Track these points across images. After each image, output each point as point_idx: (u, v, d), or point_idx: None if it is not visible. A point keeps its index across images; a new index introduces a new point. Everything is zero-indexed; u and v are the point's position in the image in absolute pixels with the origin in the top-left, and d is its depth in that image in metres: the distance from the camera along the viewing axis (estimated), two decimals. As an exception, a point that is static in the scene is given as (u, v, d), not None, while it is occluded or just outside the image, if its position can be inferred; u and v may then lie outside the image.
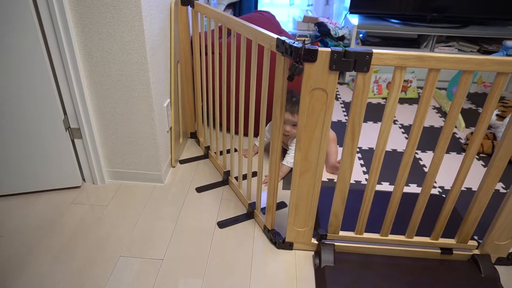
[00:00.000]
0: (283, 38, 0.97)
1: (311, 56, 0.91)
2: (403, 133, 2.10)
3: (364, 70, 0.92)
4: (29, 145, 1.40)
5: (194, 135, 1.96)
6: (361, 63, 0.91)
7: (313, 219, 1.22)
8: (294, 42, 0.93)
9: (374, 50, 0.90)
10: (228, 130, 1.46)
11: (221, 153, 1.72)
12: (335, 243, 1.25)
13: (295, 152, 1.08)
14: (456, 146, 1.99)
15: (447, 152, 1.92)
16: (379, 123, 2.22)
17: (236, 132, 1.78)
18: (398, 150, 1.93)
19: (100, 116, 1.45)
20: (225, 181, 1.62)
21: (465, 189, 1.64)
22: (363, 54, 0.90)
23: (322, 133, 1.03)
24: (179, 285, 1.14)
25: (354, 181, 1.68)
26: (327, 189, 1.36)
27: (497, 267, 1.23)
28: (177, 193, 1.55)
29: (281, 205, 1.50)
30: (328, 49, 0.91)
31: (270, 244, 1.32)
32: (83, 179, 1.59)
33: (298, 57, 0.92)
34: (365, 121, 2.22)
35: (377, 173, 1.10)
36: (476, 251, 1.24)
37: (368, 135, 2.03)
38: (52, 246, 1.27)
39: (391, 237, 1.24)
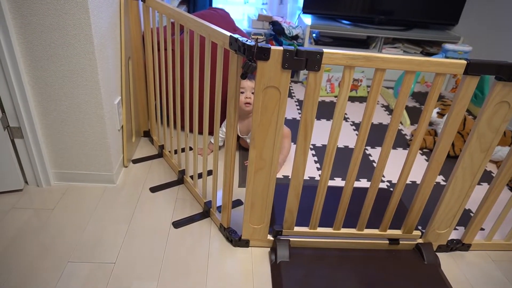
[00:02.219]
0: (236, 36, 0.97)
1: (264, 54, 0.92)
2: (354, 130, 2.19)
3: (315, 69, 0.95)
4: (-39, 146, 1.28)
5: (147, 134, 1.90)
6: (312, 62, 0.94)
7: (269, 216, 1.23)
8: (247, 40, 0.93)
9: (325, 50, 0.93)
10: (183, 128, 1.43)
11: (175, 152, 1.69)
12: (290, 239, 1.28)
13: (249, 149, 1.08)
14: (402, 142, 2.11)
15: (394, 147, 2.03)
16: (331, 121, 2.30)
17: (191, 130, 1.76)
18: (350, 147, 2.01)
19: (44, 114, 1.36)
20: (180, 180, 1.60)
21: (410, 182, 1.75)
22: (314, 54, 0.93)
23: (276, 131, 1.05)
24: (132, 289, 1.11)
25: (308, 177, 1.73)
26: (282, 186, 1.38)
27: (438, 254, 1.33)
28: (130, 194, 1.50)
29: (237, 203, 1.51)
30: (281, 48, 0.92)
31: (227, 243, 1.31)
32: (26, 182, 1.48)
33: (251, 55, 0.92)
34: (318, 118, 2.28)
35: (329, 169, 1.14)
36: (420, 240, 1.33)
37: (321, 133, 2.09)
38: (-11, 255, 1.17)
39: (343, 230, 1.29)
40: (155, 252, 1.24)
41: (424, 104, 1.05)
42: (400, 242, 1.32)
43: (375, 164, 1.88)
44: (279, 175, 1.72)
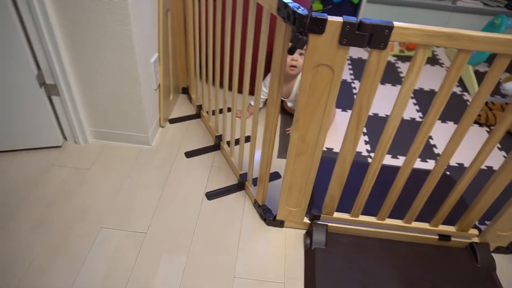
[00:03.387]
0: (284, 1, 0.80)
1: (319, 26, 0.75)
2: (411, 97, 1.95)
3: (381, 47, 0.77)
4: (1, 100, 1.26)
5: (186, 91, 1.81)
6: (378, 38, 0.76)
7: (307, 200, 1.14)
8: (299, 8, 0.76)
9: (396, 23, 0.74)
10: (222, 86, 1.31)
11: (213, 113, 1.59)
12: (328, 224, 1.19)
13: (291, 131, 0.96)
14: (467, 115, 1.86)
15: (457, 122, 1.80)
16: (387, 85, 2.06)
17: (230, 88, 1.64)
18: (404, 118, 1.80)
19: (78, 72, 1.29)
20: (216, 146, 1.52)
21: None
22: (382, 28, 0.74)
23: (323, 115, 0.91)
24: (161, 262, 1.09)
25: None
26: (324, 160, 1.24)
27: (494, 255, 1.18)
28: (164, 158, 1.45)
29: (275, 176, 1.42)
30: (340, 19, 0.75)
31: (260, 220, 1.25)
32: (65, 138, 1.47)
33: (303, 26, 0.76)
34: (372, 81, 2.05)
35: (382, 157, 1.00)
36: (476, 239, 1.19)
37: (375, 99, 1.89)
38: (31, 212, 1.20)
39: (388, 221, 1.17)
40: (186, 224, 1.21)
41: (490, 66, 0.82)
42: (452, 239, 1.19)
43: (432, 141, 1.68)
44: (336, 148, 1.58)
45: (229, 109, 1.67)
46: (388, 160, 1.54)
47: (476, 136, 1.71)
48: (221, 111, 1.64)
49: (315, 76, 0.83)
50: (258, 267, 1.11)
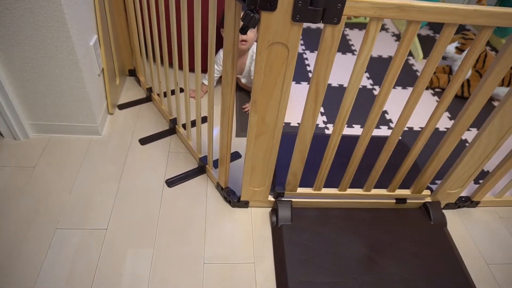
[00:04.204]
0: (233, -26, 0.74)
1: (270, 2, 0.72)
2: (362, 65, 1.99)
3: (334, 22, 0.75)
4: None
5: (133, 73, 1.70)
6: (331, 13, 0.74)
7: (270, 178, 1.13)
8: (248, -17, 0.72)
9: (348, -3, 0.72)
10: (172, 65, 1.22)
11: (165, 94, 1.51)
12: (292, 199, 1.21)
13: (250, 113, 0.93)
14: (414, 80, 1.93)
15: (404, 87, 1.87)
16: (337, 54, 2.07)
17: (181, 68, 1.56)
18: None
19: (7, 62, 1.15)
20: (172, 130, 1.46)
21: (419, 129, 1.63)
22: (335, 2, 0.72)
23: (281, 94, 0.89)
24: (127, 257, 1.05)
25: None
26: (285, 136, 1.23)
27: (444, 211, 1.27)
28: (117, 147, 1.37)
29: (235, 156, 1.40)
30: (292, -6, 0.71)
31: (224, 203, 1.24)
32: (1, 135, 1.34)
33: (254, 3, 0.71)
34: (323, 51, 2.05)
35: (340, 132, 1.01)
36: (428, 199, 1.27)
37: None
38: (-30, 222, 1.09)
39: (349, 191, 1.21)
40: (148, 215, 1.17)
41: (439, 34, 0.85)
42: (408, 201, 1.26)
43: (387, 114, 1.74)
44: (294, 122, 1.58)
45: (181, 90, 1.61)
46: (344, 130, 1.57)
47: (422, 100, 1.79)
48: (173, 92, 1.57)
49: (270, 55, 0.80)
50: (227, 251, 1.11)
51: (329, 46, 0.79)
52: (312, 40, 2.19)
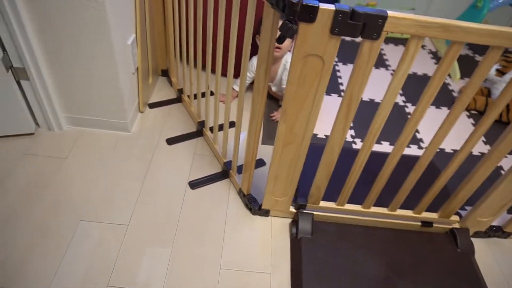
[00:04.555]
0: (274, -16, 0.74)
1: (310, 14, 0.71)
2: (395, 81, 1.94)
3: (374, 37, 0.74)
4: (-37, 86, 1.17)
5: (166, 73, 1.74)
6: (371, 28, 0.72)
7: (294, 189, 1.12)
8: (289, -7, 0.71)
9: (390, 13, 0.71)
10: (204, 68, 1.24)
11: (195, 97, 1.53)
12: (314, 212, 1.19)
13: (279, 122, 0.92)
14: (449, 100, 1.87)
15: (438, 106, 1.81)
16: (374, 69, 2.04)
17: (213, 71, 1.57)
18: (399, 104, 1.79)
19: (49, 55, 1.20)
20: (199, 132, 1.47)
21: (451, 151, 1.57)
22: (375, 17, 0.71)
23: (312, 106, 0.87)
24: (145, 255, 1.07)
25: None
26: (312, 147, 1.21)
27: (472, 239, 1.22)
28: (145, 145, 1.40)
29: (259, 163, 1.39)
30: (332, 7, 0.70)
31: (245, 209, 1.23)
32: (38, 125, 1.39)
33: (293, 14, 0.71)
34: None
35: (368, 152, 0.98)
36: (456, 225, 1.21)
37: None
38: (3, 205, 1.13)
39: (373, 209, 1.18)
40: (169, 215, 1.18)
41: (483, 57, 0.80)
42: (434, 225, 1.21)
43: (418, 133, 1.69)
44: (321, 134, 1.56)
45: (212, 93, 1.62)
46: (383, 147, 1.54)
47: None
48: (203, 95, 1.59)
49: (305, 67, 0.80)
50: (244, 258, 1.10)
51: (365, 61, 0.78)
52: (345, 52, 2.17)
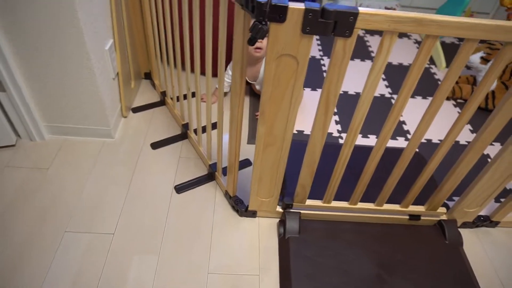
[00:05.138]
0: (243, -16, 0.73)
1: (279, 14, 0.70)
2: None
3: (346, 35, 0.72)
4: None
5: (148, 76, 1.71)
6: (343, 25, 0.71)
7: (279, 190, 1.11)
8: (257, -7, 0.70)
9: (361, 10, 0.69)
10: (184, 68, 1.22)
11: (177, 99, 1.51)
12: (301, 211, 1.18)
13: (258, 124, 0.91)
14: (435, 89, 1.86)
15: (424, 96, 1.81)
16: (356, 60, 2.03)
17: (192, 70, 1.55)
18: (376, 95, 1.78)
19: (23, 65, 1.18)
20: (184, 135, 1.46)
21: (439, 141, 1.57)
22: (346, 15, 0.69)
23: (290, 105, 0.86)
24: (132, 264, 1.05)
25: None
26: (296, 144, 1.19)
27: (461, 229, 1.22)
28: (129, 151, 1.38)
29: (245, 164, 1.38)
30: (302, 6, 0.69)
31: (232, 211, 1.22)
32: (19, 136, 1.37)
33: (262, 15, 0.70)
34: (341, 57, 2.01)
35: (351, 145, 0.97)
36: (444, 217, 1.21)
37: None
38: (-17, 221, 1.12)
39: (360, 205, 1.17)
40: (156, 221, 1.17)
41: (459, 49, 0.79)
42: (422, 218, 1.20)
43: (401, 118, 1.68)
44: (307, 131, 1.55)
45: (193, 95, 1.60)
46: (359, 140, 1.53)
47: (443, 111, 1.72)
48: (186, 97, 1.57)
49: (279, 67, 0.78)
50: (232, 261, 1.09)
51: (340, 59, 0.77)
52: (330, 46, 2.15)
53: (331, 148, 1.19)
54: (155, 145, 1.41)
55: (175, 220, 1.17)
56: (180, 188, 1.26)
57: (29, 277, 1.00)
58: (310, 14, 0.69)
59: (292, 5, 0.69)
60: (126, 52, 1.47)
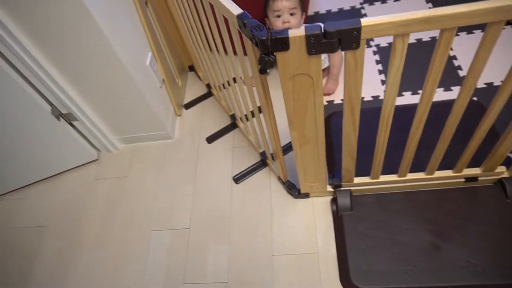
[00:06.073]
0: (244, 18, 0.74)
1: (282, 45, 0.71)
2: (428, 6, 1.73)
3: (353, 47, 0.71)
4: (32, 140, 1.39)
5: (193, 68, 1.80)
6: (348, 41, 0.70)
7: (325, 173, 1.17)
8: (257, 28, 0.72)
9: (364, 21, 0.67)
10: (219, 52, 1.18)
11: (221, 88, 1.57)
12: (352, 188, 1.23)
13: (289, 129, 0.96)
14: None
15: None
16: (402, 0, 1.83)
17: (235, 53, 1.55)
18: (423, 39, 1.64)
19: (85, 96, 1.35)
20: (234, 124, 1.55)
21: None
22: (349, 31, 0.68)
23: (315, 112, 0.89)
24: (208, 253, 1.25)
25: (371, 97, 1.51)
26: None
27: (527, 183, 1.16)
28: (188, 149, 1.53)
29: (291, 147, 1.43)
30: (302, 32, 0.69)
31: (287, 194, 1.33)
32: (99, 150, 1.60)
33: (266, 48, 0.72)
34: (383, 0, 1.84)
35: (386, 135, 0.97)
36: (505, 174, 1.16)
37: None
38: (90, 231, 1.39)
39: (410, 175, 1.18)
40: (222, 212, 1.33)
41: (482, 36, 0.69)
42: (479, 178, 1.17)
43: (456, 62, 1.54)
44: (337, 99, 1.55)
45: (234, 80, 1.65)
46: (408, 98, 1.46)
47: (507, 42, 1.51)
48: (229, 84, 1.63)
49: (295, 85, 0.81)
50: (293, 242, 1.22)
51: (353, 69, 0.76)
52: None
53: (372, 113, 1.08)
54: (210, 139, 1.54)
55: (238, 209, 1.32)
56: (238, 179, 1.40)
57: (129, 273, 1.26)
58: (312, 38, 0.70)
59: (292, 33, 0.70)
60: (166, 56, 1.56)
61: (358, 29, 0.68)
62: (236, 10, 0.78)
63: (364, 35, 0.69)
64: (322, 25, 0.69)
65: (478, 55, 0.74)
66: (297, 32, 0.69)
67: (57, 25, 1.07)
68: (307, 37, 0.69)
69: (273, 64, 0.74)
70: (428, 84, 0.81)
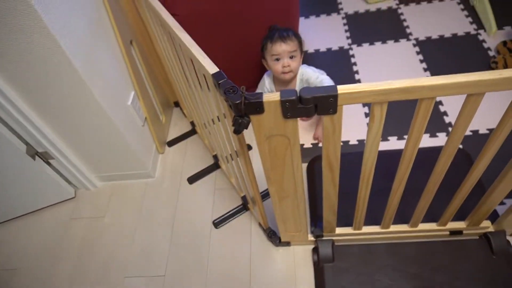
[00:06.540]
0: (219, 79, 0.72)
1: (256, 109, 0.69)
2: (417, 53, 1.75)
3: (331, 113, 0.69)
4: (5, 179, 1.34)
5: (178, 104, 1.77)
6: (325, 107, 0.68)
7: (306, 224, 1.13)
8: (231, 90, 0.69)
9: (341, 89, 0.65)
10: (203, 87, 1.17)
11: (204, 126, 1.54)
12: (334, 238, 1.19)
13: (268, 184, 0.92)
14: (485, 62, 1.65)
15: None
16: (388, 43, 1.86)
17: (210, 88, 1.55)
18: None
19: (61, 135, 1.31)
20: (217, 165, 1.52)
21: (487, 131, 1.42)
22: (325, 98, 0.66)
23: (293, 168, 0.86)
24: (183, 304, 1.19)
25: (357, 140, 1.50)
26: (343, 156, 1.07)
27: (510, 238, 1.13)
28: (169, 189, 1.49)
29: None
30: (277, 97, 0.67)
31: (268, 241, 1.28)
32: (76, 187, 1.55)
33: (239, 111, 0.69)
34: (371, 42, 1.86)
35: (366, 192, 0.94)
36: (490, 229, 1.13)
37: (376, 61, 1.73)
38: (62, 275, 1.32)
39: (393, 227, 1.14)
40: (199, 259, 1.27)
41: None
42: (464, 231, 1.14)
43: (442, 108, 1.54)
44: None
45: (219, 119, 1.62)
46: (394, 143, 1.44)
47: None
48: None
49: (271, 144, 0.78)
50: (272, 293, 1.17)
51: (331, 132, 0.74)
52: (360, 33, 1.99)
53: (355, 159, 0.99)
54: (191, 179, 1.50)
55: (216, 256, 1.27)
56: (218, 223, 1.35)
57: (102, 323, 1.18)
58: (287, 103, 0.67)
59: (266, 98, 0.67)
60: (150, 93, 1.54)
61: (335, 97, 0.66)
62: (212, 68, 0.76)
63: (341, 102, 0.67)
64: (297, 90, 0.67)
65: (457, 124, 0.73)
66: (272, 97, 0.67)
67: (35, 69, 1.05)
68: (282, 102, 0.67)
69: (247, 126, 0.72)
70: (410, 144, 0.79)
